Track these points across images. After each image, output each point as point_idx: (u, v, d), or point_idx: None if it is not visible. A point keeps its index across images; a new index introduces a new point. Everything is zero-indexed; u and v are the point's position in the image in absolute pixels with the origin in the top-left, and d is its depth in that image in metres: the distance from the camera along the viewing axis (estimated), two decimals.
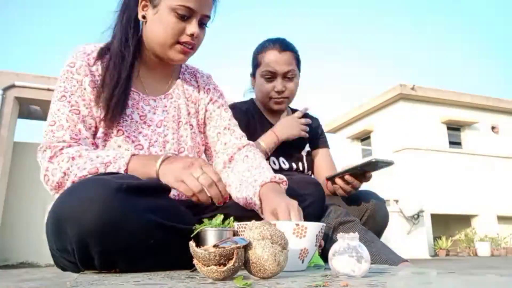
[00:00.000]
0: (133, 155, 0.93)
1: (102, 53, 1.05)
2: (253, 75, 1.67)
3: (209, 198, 0.87)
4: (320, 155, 1.72)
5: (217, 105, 1.24)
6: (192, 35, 1.03)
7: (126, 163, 0.91)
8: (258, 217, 1.02)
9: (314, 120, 1.77)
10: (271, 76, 1.55)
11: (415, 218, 9.25)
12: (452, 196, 11.23)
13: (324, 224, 0.87)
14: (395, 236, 8.46)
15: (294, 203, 0.90)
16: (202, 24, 1.06)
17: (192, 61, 1.20)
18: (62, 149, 0.94)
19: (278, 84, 1.55)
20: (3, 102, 6.36)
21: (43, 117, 7.47)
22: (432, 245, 10.62)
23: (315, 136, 1.73)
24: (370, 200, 1.52)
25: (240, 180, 1.08)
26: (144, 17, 1.05)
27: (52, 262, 0.92)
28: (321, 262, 1.04)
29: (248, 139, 1.26)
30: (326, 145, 1.76)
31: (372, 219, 1.52)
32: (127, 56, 1.03)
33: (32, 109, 7.15)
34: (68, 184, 0.91)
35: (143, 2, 1.04)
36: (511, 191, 12.11)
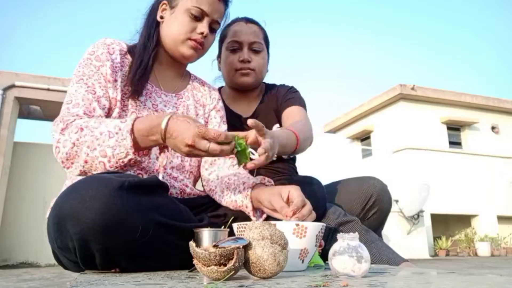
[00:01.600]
0: (133, 127, 0.92)
1: (121, 47, 1.15)
2: (219, 55, 1.59)
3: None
4: (285, 115, 1.48)
5: (219, 114, 1.33)
6: (202, 33, 1.14)
7: (131, 145, 0.91)
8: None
9: (281, 90, 1.57)
10: (237, 47, 1.49)
11: (415, 218, 9.25)
12: (452, 196, 11.22)
13: (324, 224, 0.87)
14: (395, 236, 8.47)
15: (297, 187, 0.97)
16: (211, 29, 1.18)
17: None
18: (73, 121, 0.97)
19: (243, 53, 1.48)
20: (3, 102, 6.36)
21: (43, 117, 7.47)
22: (432, 245, 10.61)
23: (279, 102, 1.54)
24: (374, 184, 1.49)
25: (227, 184, 1.14)
26: (162, 17, 1.18)
27: (52, 262, 0.93)
28: (321, 262, 1.04)
29: None
30: (293, 103, 1.50)
31: (378, 203, 1.48)
32: (149, 46, 1.14)
33: (32, 109, 7.15)
34: (80, 154, 0.92)
35: (163, 5, 1.17)
36: (511, 191, 12.10)
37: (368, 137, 13.59)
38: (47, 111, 7.06)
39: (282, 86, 1.63)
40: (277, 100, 1.55)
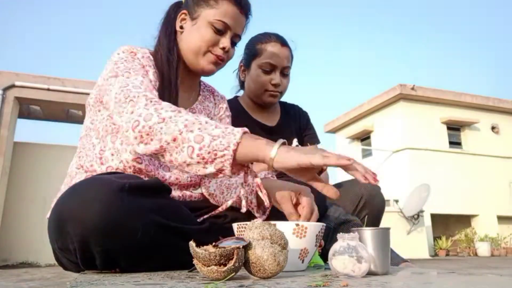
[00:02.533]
0: (244, 132, 0.85)
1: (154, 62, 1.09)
2: (247, 65, 1.62)
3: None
4: None
5: (224, 122, 1.29)
6: (224, 48, 1.09)
7: (237, 142, 0.81)
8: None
9: (303, 114, 1.75)
10: (271, 68, 1.54)
11: (415, 218, 9.26)
12: (452, 196, 11.23)
13: (324, 224, 0.87)
14: (395, 236, 8.46)
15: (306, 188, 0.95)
16: (232, 42, 1.13)
17: None
18: (159, 101, 0.89)
19: (276, 77, 1.54)
20: (3, 102, 6.35)
21: (43, 117, 7.48)
22: (432, 245, 10.62)
23: (302, 129, 1.71)
24: (365, 186, 1.50)
25: (227, 185, 1.14)
26: (181, 27, 1.12)
27: (52, 262, 0.93)
28: (321, 262, 1.04)
29: None
30: (315, 141, 1.72)
31: (368, 204, 1.50)
32: (174, 64, 1.09)
33: (32, 109, 7.15)
34: (168, 131, 0.83)
35: (182, 15, 1.12)
36: (511, 191, 12.10)
37: (368, 137, 13.60)
38: (47, 111, 7.06)
39: (300, 108, 1.77)
40: (299, 122, 1.71)
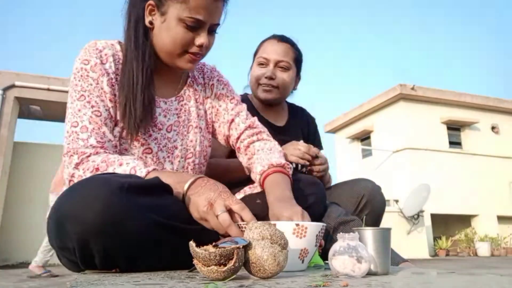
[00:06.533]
0: (149, 172, 0.91)
1: (115, 51, 1.05)
2: (252, 67, 1.67)
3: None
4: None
5: (222, 98, 1.22)
6: (201, 46, 1.01)
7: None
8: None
9: (312, 120, 1.78)
10: (265, 63, 1.57)
11: (415, 218, 9.26)
12: (452, 196, 11.23)
13: (325, 224, 0.87)
14: (395, 236, 8.46)
15: (298, 210, 0.90)
16: (211, 31, 1.04)
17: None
18: (89, 156, 0.94)
19: (268, 70, 1.55)
20: (3, 102, 6.36)
21: (43, 117, 7.47)
22: (432, 245, 10.61)
23: (310, 135, 1.73)
24: (366, 186, 1.52)
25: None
26: (151, 23, 1.02)
27: (52, 262, 0.93)
28: (321, 262, 1.04)
29: None
30: (319, 148, 1.75)
31: (369, 204, 1.50)
32: (141, 62, 1.01)
33: (32, 109, 7.15)
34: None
35: (150, 7, 1.01)
36: (511, 191, 12.10)
37: (368, 137, 13.60)
38: (47, 111, 7.06)
39: (308, 112, 1.79)
40: (307, 127, 1.74)
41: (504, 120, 12.92)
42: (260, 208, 1.01)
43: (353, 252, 0.71)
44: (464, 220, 11.87)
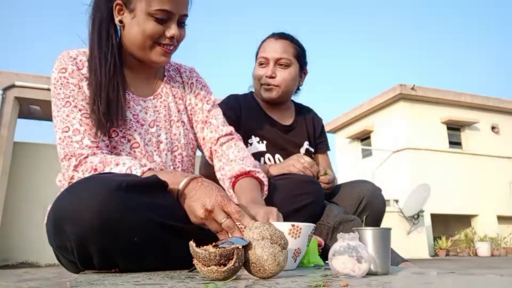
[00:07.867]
0: (144, 172, 0.91)
1: (88, 57, 1.05)
2: (254, 68, 1.67)
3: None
4: (320, 159, 1.72)
5: (199, 98, 1.25)
6: (172, 37, 1.04)
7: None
8: None
9: (319, 121, 1.77)
10: (265, 62, 1.56)
11: (415, 218, 9.25)
12: (452, 196, 11.22)
13: (315, 225, 0.90)
14: (395, 236, 8.45)
15: (273, 209, 0.91)
16: (181, 23, 1.07)
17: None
18: (86, 157, 0.95)
19: (268, 69, 1.55)
20: (3, 102, 6.36)
21: (43, 117, 7.47)
22: (432, 245, 10.61)
23: (317, 136, 1.72)
24: (366, 187, 1.52)
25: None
26: (121, 21, 1.05)
27: (52, 262, 0.93)
28: (321, 262, 1.04)
29: (242, 130, 1.31)
30: (326, 150, 1.76)
31: (369, 206, 1.51)
32: (103, 61, 1.02)
33: (32, 109, 7.15)
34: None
35: (118, 7, 1.03)
36: (511, 191, 12.10)
37: (368, 137, 13.59)
38: (47, 111, 7.05)
39: (315, 113, 1.78)
40: (314, 128, 1.72)
41: (504, 120, 12.91)
42: None
43: (353, 252, 0.71)
44: (464, 220, 11.86)
